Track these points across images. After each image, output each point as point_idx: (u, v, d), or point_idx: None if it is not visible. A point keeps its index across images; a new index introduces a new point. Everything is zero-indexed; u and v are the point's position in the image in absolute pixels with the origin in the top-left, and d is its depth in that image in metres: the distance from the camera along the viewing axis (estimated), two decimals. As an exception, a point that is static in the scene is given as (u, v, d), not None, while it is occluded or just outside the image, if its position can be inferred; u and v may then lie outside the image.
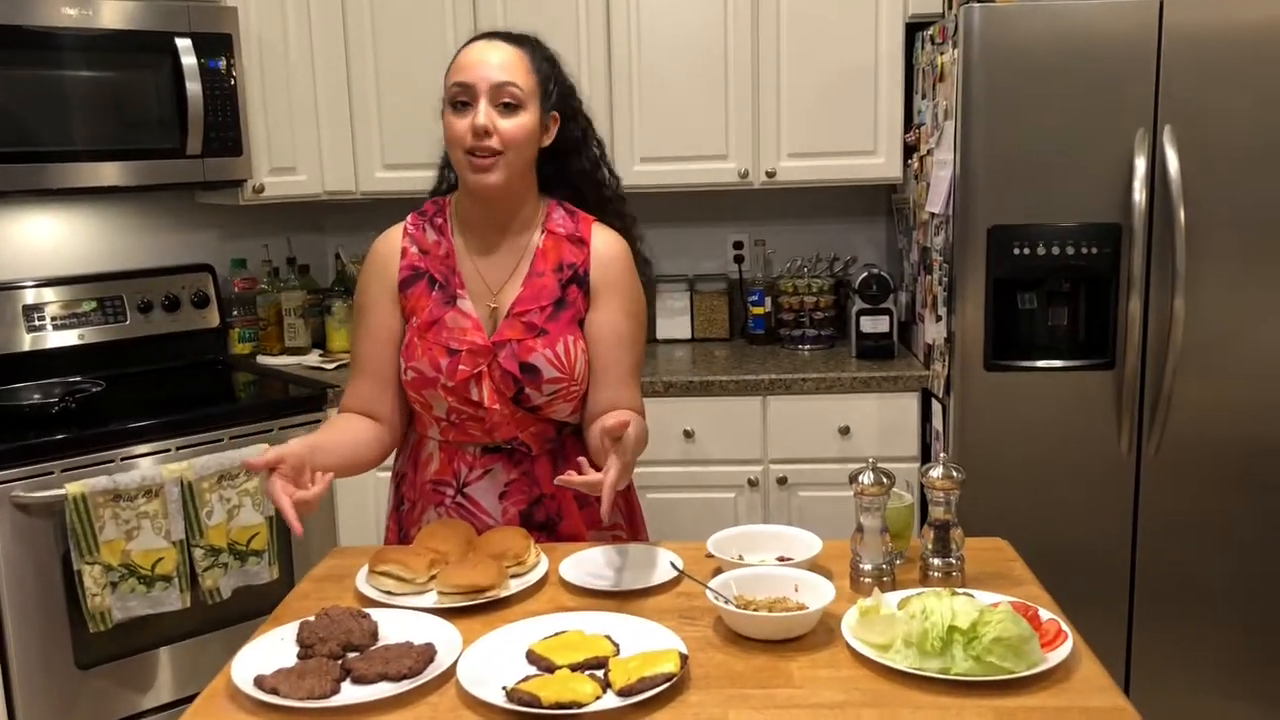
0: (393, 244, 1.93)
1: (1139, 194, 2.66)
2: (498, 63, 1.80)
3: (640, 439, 1.77)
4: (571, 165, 1.96)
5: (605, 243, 1.92)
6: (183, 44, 2.94)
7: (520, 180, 1.86)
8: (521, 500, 1.91)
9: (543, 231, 1.91)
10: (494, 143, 1.78)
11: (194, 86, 2.95)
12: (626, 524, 2.02)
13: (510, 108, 1.80)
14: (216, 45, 3.02)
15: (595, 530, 1.94)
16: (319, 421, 3.00)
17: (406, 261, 1.90)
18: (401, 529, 2.00)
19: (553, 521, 1.93)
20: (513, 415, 1.86)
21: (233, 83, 3.05)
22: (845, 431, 3.05)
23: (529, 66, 1.83)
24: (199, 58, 2.96)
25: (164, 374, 3.29)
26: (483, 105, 1.78)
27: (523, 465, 1.90)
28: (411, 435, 1.98)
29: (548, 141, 1.88)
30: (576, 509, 1.94)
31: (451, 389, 1.84)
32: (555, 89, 1.88)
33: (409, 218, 1.95)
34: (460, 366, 1.83)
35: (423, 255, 1.90)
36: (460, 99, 1.80)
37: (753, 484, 3.09)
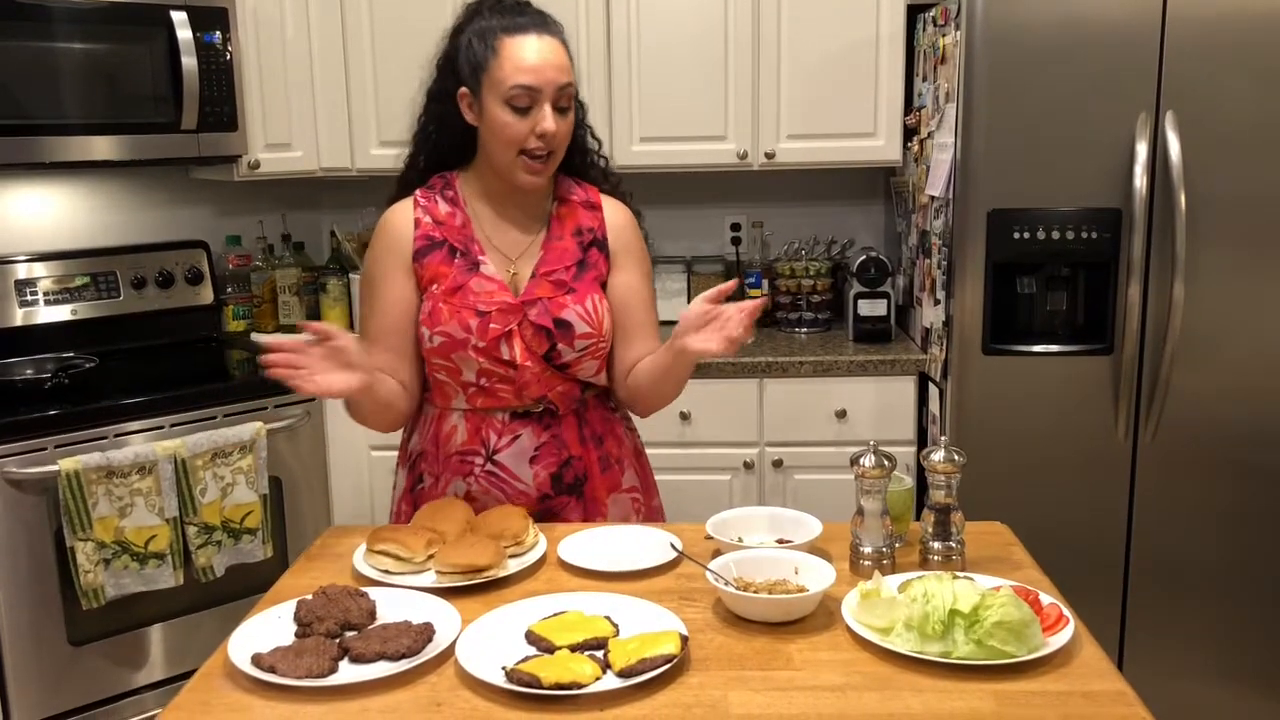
0: (404, 216, 1.92)
1: (1140, 179, 2.65)
2: (558, 64, 1.81)
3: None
4: (576, 142, 1.96)
5: (617, 208, 1.99)
6: (178, 17, 2.90)
7: None
8: (552, 463, 1.91)
9: (554, 199, 1.95)
10: (552, 145, 1.82)
11: (189, 61, 2.92)
12: (641, 486, 2.04)
13: (564, 110, 1.83)
14: (212, 19, 2.98)
15: (614, 494, 1.96)
16: (313, 400, 2.99)
17: (421, 232, 1.90)
18: (418, 508, 1.97)
19: (580, 482, 1.93)
20: (542, 373, 1.87)
21: (228, 57, 3.02)
22: (842, 415, 3.04)
23: (569, 59, 1.85)
24: (195, 31, 2.93)
25: (157, 351, 3.27)
26: (548, 110, 1.80)
27: (551, 428, 1.91)
28: (429, 412, 1.97)
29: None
30: (599, 471, 1.95)
31: (482, 349, 1.84)
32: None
33: (416, 192, 1.94)
34: (491, 325, 1.84)
35: (437, 225, 1.91)
36: (522, 103, 1.79)
37: (748, 466, 3.08)
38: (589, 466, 1.94)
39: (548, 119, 1.79)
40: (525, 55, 1.79)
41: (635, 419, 2.09)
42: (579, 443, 1.92)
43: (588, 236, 1.93)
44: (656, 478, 2.12)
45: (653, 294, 2.02)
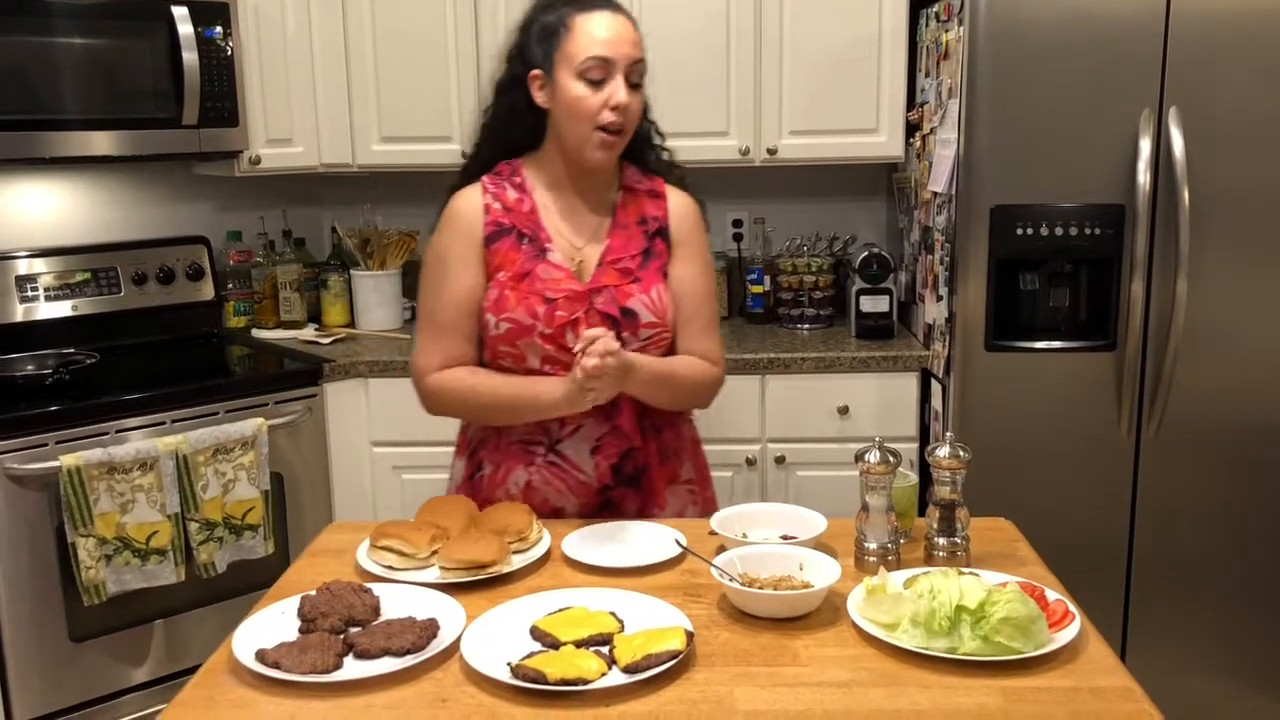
0: (474, 202, 1.93)
1: (1143, 175, 2.64)
2: (631, 38, 1.84)
3: (688, 379, 1.91)
4: (641, 132, 1.97)
5: (680, 198, 2.00)
6: (179, 12, 2.90)
7: None
8: (613, 454, 1.91)
9: (619, 188, 1.96)
10: (625, 121, 1.83)
11: (190, 56, 2.91)
12: (697, 477, 2.04)
13: (636, 86, 1.85)
14: (213, 14, 2.98)
15: (672, 485, 1.97)
16: (315, 396, 2.99)
17: (491, 218, 1.91)
18: (477, 496, 1.98)
19: (639, 474, 1.93)
20: None
21: (229, 53, 3.02)
22: (844, 411, 3.04)
23: (640, 40, 1.87)
24: (195, 27, 2.92)
25: (158, 346, 3.26)
26: (620, 82, 1.81)
27: (612, 419, 1.90)
28: None
29: None
30: (658, 463, 1.95)
31: (549, 336, 1.85)
32: None
33: (484, 178, 1.95)
34: (558, 313, 1.85)
35: (506, 212, 1.92)
36: (596, 75, 1.81)
37: (750, 463, 3.08)
38: (649, 458, 1.94)
39: (621, 91, 1.81)
40: (598, 29, 1.82)
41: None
42: (639, 434, 1.92)
43: (652, 225, 1.94)
44: None
45: (712, 287, 2.01)
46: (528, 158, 1.96)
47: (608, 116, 1.81)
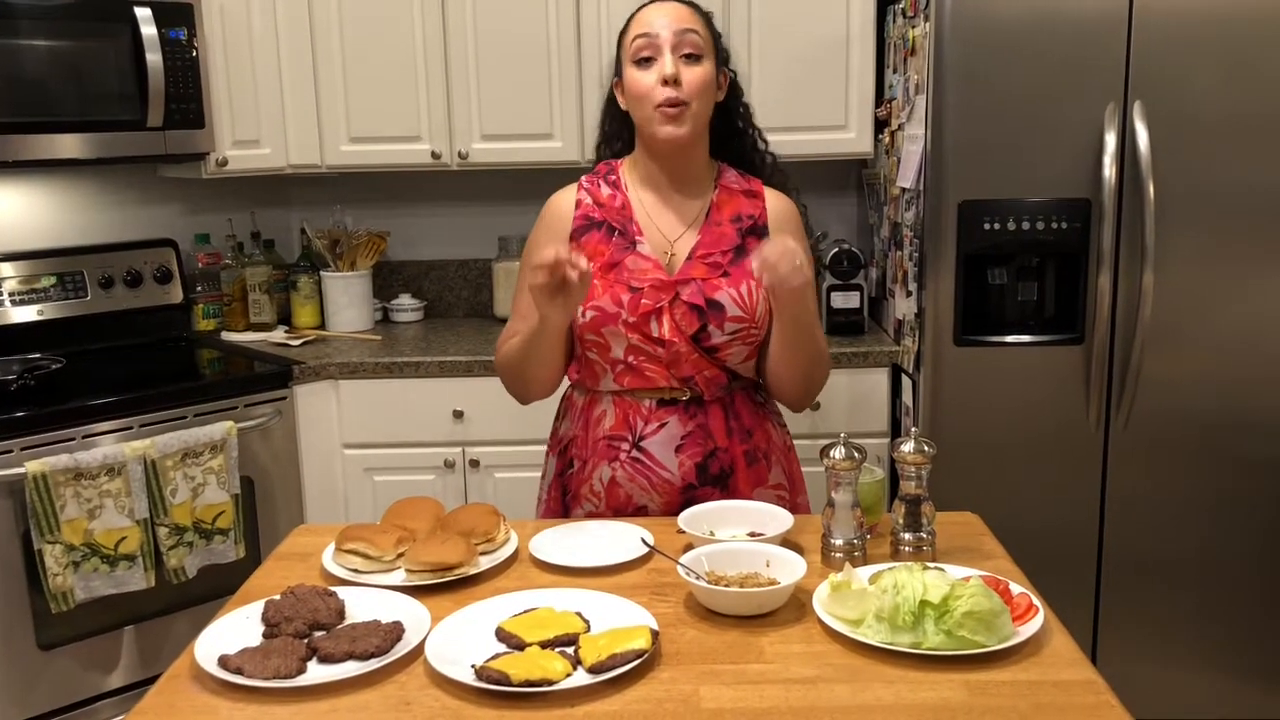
0: (567, 198, 1.98)
1: (1109, 169, 2.66)
2: (679, 14, 1.87)
3: (822, 346, 1.93)
4: (731, 127, 1.99)
5: (779, 199, 2.00)
6: (142, 13, 2.87)
7: (701, 135, 1.92)
8: (697, 453, 1.90)
9: (716, 188, 1.97)
10: (682, 93, 1.82)
11: (154, 57, 2.89)
12: (788, 483, 2.03)
13: (692, 58, 1.85)
14: (177, 15, 2.95)
15: (759, 488, 1.95)
16: (285, 398, 2.97)
17: (580, 212, 1.95)
18: (567, 492, 1.99)
19: (725, 475, 1.92)
20: (690, 354, 1.87)
21: (194, 54, 2.99)
22: (815, 406, 3.04)
23: (703, 20, 1.90)
24: (159, 28, 2.90)
25: (126, 351, 3.24)
26: (667, 56, 1.83)
27: (697, 418, 1.90)
28: (580, 398, 1.99)
29: (721, 96, 1.93)
30: (745, 465, 1.94)
31: (633, 325, 1.85)
32: (722, 45, 1.95)
33: (583, 178, 2.00)
34: (643, 301, 1.85)
35: (598, 207, 1.94)
36: (645, 53, 1.85)
37: (723, 460, 3.08)
38: (735, 459, 1.93)
39: (668, 64, 1.82)
40: (645, 14, 1.89)
41: (785, 413, 2.09)
42: (725, 434, 1.92)
43: (747, 223, 1.94)
44: None
45: (811, 288, 1.97)
46: (625, 159, 2.00)
47: (661, 93, 1.83)
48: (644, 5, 1.92)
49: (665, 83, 1.82)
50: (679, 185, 1.95)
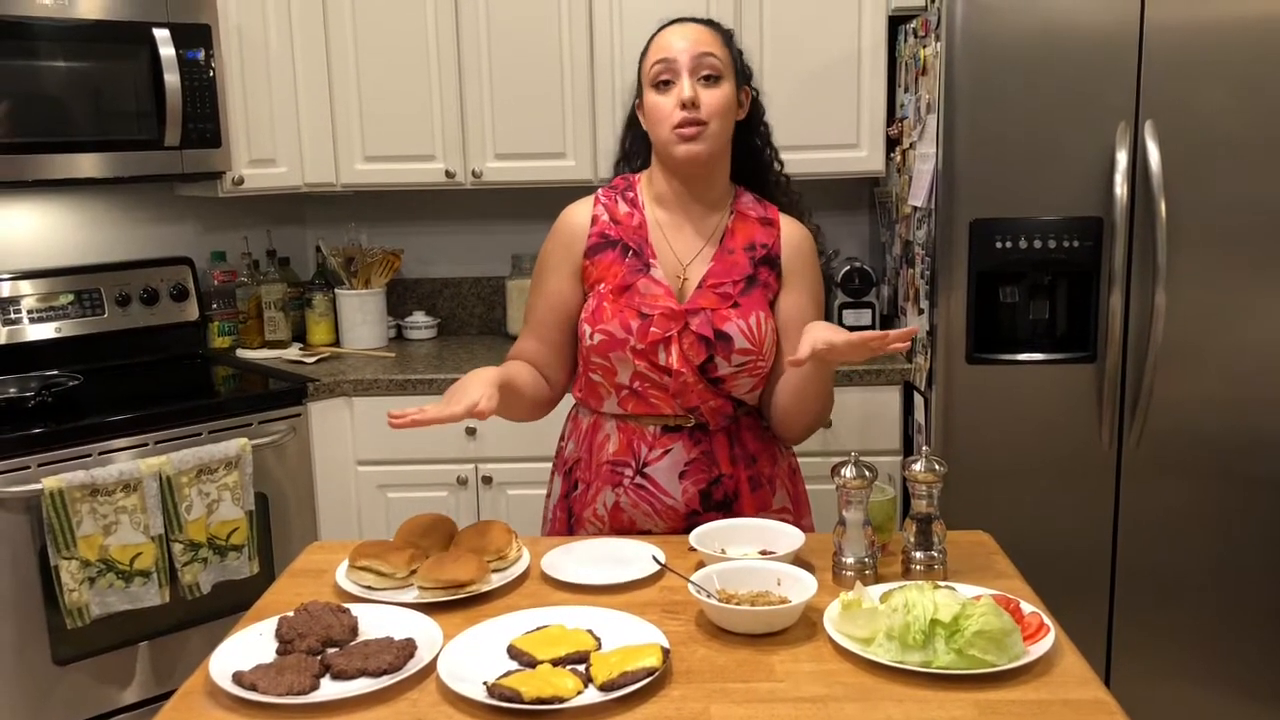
0: (583, 213, 1.97)
1: (1120, 188, 2.66)
2: (694, 38, 1.88)
3: (829, 389, 1.93)
4: (749, 145, 1.99)
5: (794, 228, 1.99)
6: (160, 34, 2.91)
7: (720, 155, 1.92)
8: (701, 480, 1.91)
9: (731, 213, 1.96)
10: (700, 114, 1.83)
11: (172, 78, 2.92)
12: (792, 506, 2.03)
13: (711, 80, 1.86)
14: (195, 36, 2.99)
15: (763, 513, 1.95)
16: (299, 415, 2.99)
17: (597, 229, 1.94)
18: (572, 514, 1.99)
19: (729, 500, 1.93)
20: (696, 384, 1.87)
21: (211, 74, 3.03)
22: (827, 425, 3.04)
23: (722, 41, 1.91)
24: (177, 48, 2.93)
25: (142, 368, 3.27)
26: (685, 79, 1.84)
27: (701, 444, 1.91)
28: (585, 419, 1.99)
29: (743, 114, 1.94)
30: (749, 490, 1.94)
31: (640, 352, 1.86)
32: (743, 63, 1.96)
33: (600, 191, 1.99)
34: (652, 329, 1.85)
35: (614, 224, 1.94)
36: (663, 77, 1.86)
37: (735, 477, 3.08)
38: (739, 485, 1.93)
39: (686, 87, 1.83)
40: (662, 39, 1.90)
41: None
42: (729, 461, 1.92)
43: (760, 252, 1.93)
44: None
45: (820, 317, 1.98)
46: (643, 174, 2.01)
47: (678, 115, 1.83)
48: (663, 28, 1.93)
49: (683, 106, 1.83)
50: (696, 204, 1.94)
